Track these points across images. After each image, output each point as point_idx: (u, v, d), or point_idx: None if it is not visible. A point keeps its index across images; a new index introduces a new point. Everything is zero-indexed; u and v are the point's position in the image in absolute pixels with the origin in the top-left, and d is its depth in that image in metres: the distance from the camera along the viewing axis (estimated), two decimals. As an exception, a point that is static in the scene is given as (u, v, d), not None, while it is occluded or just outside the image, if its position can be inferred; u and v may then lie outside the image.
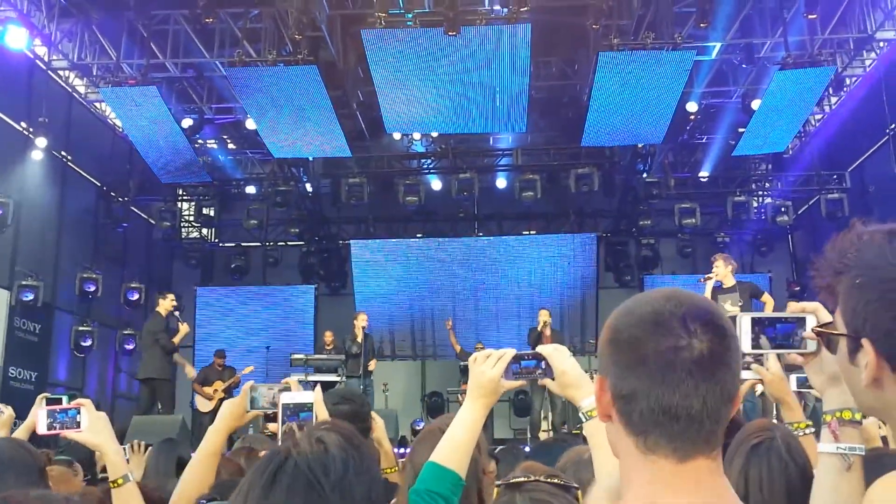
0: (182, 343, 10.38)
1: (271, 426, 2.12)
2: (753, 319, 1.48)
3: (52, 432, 2.35)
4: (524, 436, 10.78)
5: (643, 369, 1.09)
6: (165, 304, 10.06)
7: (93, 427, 2.34)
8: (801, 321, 1.46)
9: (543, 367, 1.95)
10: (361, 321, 11.02)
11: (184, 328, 10.03)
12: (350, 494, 1.24)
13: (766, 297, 8.56)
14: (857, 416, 1.43)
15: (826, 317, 1.43)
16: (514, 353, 1.95)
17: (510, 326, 15.47)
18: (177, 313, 10.19)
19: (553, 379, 1.95)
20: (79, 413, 2.33)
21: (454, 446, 1.86)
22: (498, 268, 15.81)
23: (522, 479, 1.63)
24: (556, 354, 1.97)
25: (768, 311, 1.53)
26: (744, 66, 11.76)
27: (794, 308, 1.48)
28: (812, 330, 1.44)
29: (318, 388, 1.74)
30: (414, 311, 15.85)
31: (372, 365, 10.96)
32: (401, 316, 15.83)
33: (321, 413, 1.58)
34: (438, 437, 2.02)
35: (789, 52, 10.33)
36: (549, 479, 1.70)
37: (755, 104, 11.56)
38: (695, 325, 1.08)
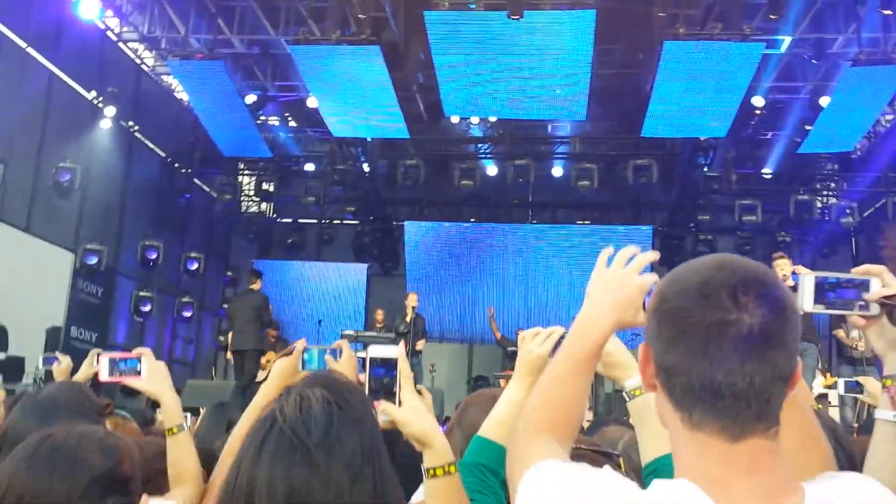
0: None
1: (360, 377, 2.15)
2: (817, 279, 1.46)
3: (114, 379, 2.43)
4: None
5: (686, 343, 1.04)
6: (260, 284, 10.84)
7: (152, 376, 2.42)
8: (864, 284, 1.44)
9: None
10: (412, 301, 11.20)
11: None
12: (337, 450, 1.23)
13: None
14: None
15: (891, 280, 1.41)
16: (562, 331, 1.92)
17: (559, 316, 15.40)
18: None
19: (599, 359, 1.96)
20: (139, 362, 2.42)
21: (500, 422, 1.86)
22: (549, 256, 15.72)
23: None
24: (597, 278, 1.97)
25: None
26: (814, 61, 11.41)
27: (858, 271, 1.45)
28: (877, 300, 1.42)
29: (402, 343, 1.77)
30: (463, 294, 15.89)
31: (420, 345, 11.09)
32: (450, 299, 15.89)
33: (405, 367, 1.60)
34: (486, 400, 2.06)
35: (862, 48, 9.97)
36: (590, 448, 1.70)
37: (824, 101, 11.24)
38: (746, 299, 1.02)
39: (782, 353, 1.03)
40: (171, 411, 2.38)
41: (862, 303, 1.44)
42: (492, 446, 1.80)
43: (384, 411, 1.57)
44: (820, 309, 1.46)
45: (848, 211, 13.16)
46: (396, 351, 1.63)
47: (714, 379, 1.01)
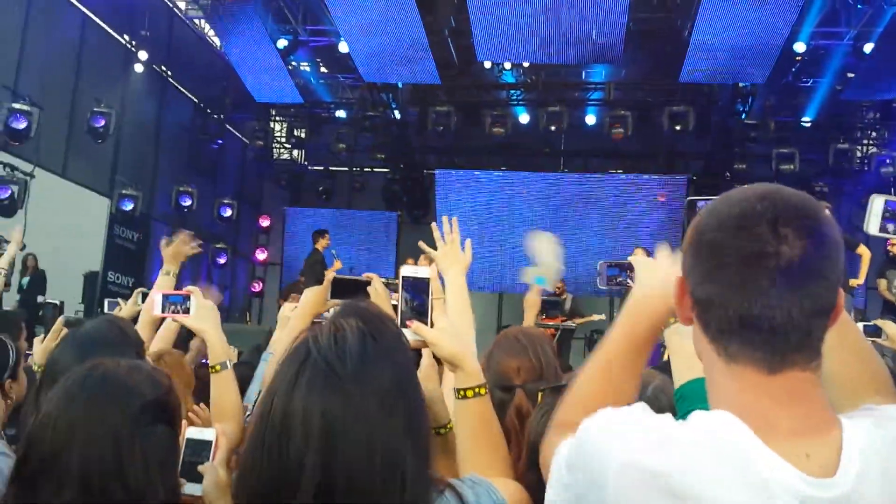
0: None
1: (394, 295, 2.19)
2: (888, 202, 1.41)
3: (165, 315, 2.59)
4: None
5: (722, 276, 1.02)
6: (323, 242, 11.19)
7: (199, 314, 2.51)
8: None
9: (631, 276, 1.95)
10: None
11: (337, 263, 10.66)
12: (371, 383, 1.22)
13: (862, 249, 8.23)
14: None
15: None
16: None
17: (589, 267, 15.33)
18: (334, 251, 11.06)
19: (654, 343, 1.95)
20: (188, 300, 2.51)
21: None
22: (582, 206, 15.60)
23: (566, 382, 1.64)
24: (647, 266, 1.97)
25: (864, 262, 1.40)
26: (859, 6, 11.02)
27: None
28: None
29: (434, 264, 1.76)
30: (494, 244, 15.88)
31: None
32: (480, 248, 15.88)
33: (437, 288, 1.60)
34: (512, 342, 2.06)
35: (911, -9, 9.63)
36: None
37: (867, 48, 10.90)
38: (786, 230, 0.99)
39: (823, 286, 1.01)
40: (216, 349, 2.45)
41: None
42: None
43: (416, 331, 1.57)
44: (885, 234, 1.41)
45: (888, 161, 12.82)
46: (429, 272, 1.63)
47: (751, 312, 1.00)
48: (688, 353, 1.76)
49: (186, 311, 2.51)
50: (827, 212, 1.06)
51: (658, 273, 1.40)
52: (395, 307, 1.67)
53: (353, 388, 1.21)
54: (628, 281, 1.96)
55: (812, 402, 1.03)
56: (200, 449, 1.91)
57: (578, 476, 1.10)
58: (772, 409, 1.01)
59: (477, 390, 1.56)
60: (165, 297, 2.54)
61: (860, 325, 3.97)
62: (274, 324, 11.65)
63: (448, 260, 2.30)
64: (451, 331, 1.60)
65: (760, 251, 0.99)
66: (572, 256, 15.48)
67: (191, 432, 1.94)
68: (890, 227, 1.40)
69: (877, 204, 1.41)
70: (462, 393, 1.56)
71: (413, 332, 1.57)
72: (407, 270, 1.63)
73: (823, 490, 0.97)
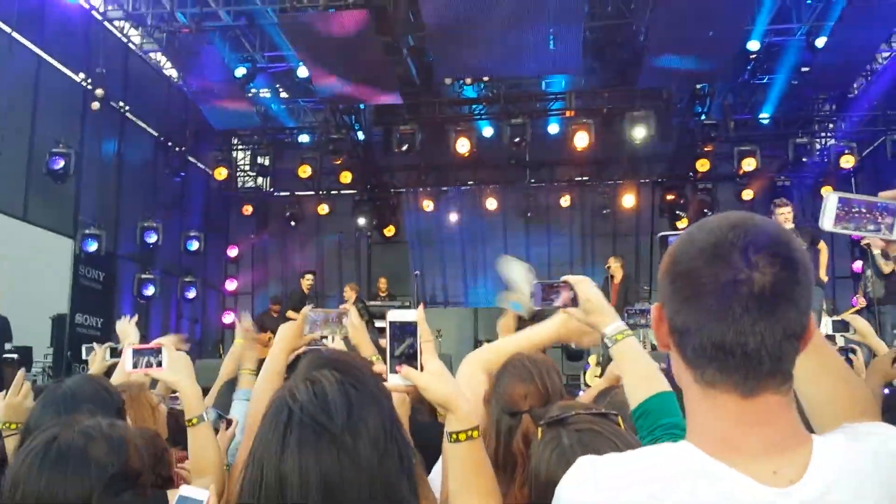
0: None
1: (381, 342, 2.18)
2: (840, 199, 1.43)
3: (138, 371, 2.56)
4: (577, 381, 10.82)
5: (698, 303, 1.05)
6: (305, 283, 11.94)
7: (172, 366, 2.49)
8: (890, 208, 1.41)
9: (572, 296, 1.98)
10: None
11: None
12: (363, 430, 1.21)
13: (822, 245, 8.37)
14: None
15: None
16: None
17: (563, 274, 15.36)
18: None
19: (577, 306, 1.98)
20: (160, 353, 2.50)
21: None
22: (550, 215, 15.70)
23: (564, 414, 1.61)
24: (583, 283, 1.99)
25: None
26: (808, 1, 11.26)
27: (886, 195, 1.43)
28: None
29: (422, 306, 1.75)
30: (466, 259, 15.89)
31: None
32: (452, 264, 15.90)
33: (425, 331, 1.57)
34: (520, 368, 2.05)
35: (857, -15, 9.85)
36: (588, 412, 1.69)
37: (820, 42, 11.11)
38: (757, 257, 1.03)
39: (794, 311, 1.04)
40: (190, 402, 2.41)
41: (885, 226, 1.41)
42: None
43: (406, 376, 1.54)
44: (840, 229, 1.43)
45: (847, 151, 13.07)
46: (416, 315, 1.59)
47: (725, 338, 1.03)
48: (641, 372, 1.81)
49: (159, 364, 2.50)
50: (796, 238, 1.09)
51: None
52: (382, 352, 1.64)
53: (346, 439, 1.20)
54: (558, 298, 2.00)
55: (784, 423, 1.06)
56: None
57: None
58: (742, 434, 1.05)
59: (469, 433, 1.54)
60: (137, 351, 2.53)
61: (829, 320, 4.02)
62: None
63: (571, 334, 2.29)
64: (443, 373, 1.57)
65: (734, 279, 1.03)
66: (543, 266, 15.54)
67: (184, 490, 1.88)
68: (845, 219, 1.42)
69: (831, 201, 1.43)
70: (454, 436, 1.54)
71: (403, 376, 1.55)
72: (394, 315, 1.60)
73: (785, 498, 1.00)
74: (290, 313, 10.57)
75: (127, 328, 3.71)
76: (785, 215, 8.03)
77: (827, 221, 1.43)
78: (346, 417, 1.21)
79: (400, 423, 1.33)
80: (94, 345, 4.23)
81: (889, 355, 3.32)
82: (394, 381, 1.56)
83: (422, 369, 1.56)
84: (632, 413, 1.77)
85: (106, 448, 1.50)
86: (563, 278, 2.03)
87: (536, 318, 2.28)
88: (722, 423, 1.06)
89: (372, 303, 12.20)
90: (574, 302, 1.99)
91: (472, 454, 1.55)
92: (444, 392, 1.55)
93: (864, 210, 1.42)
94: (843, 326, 3.82)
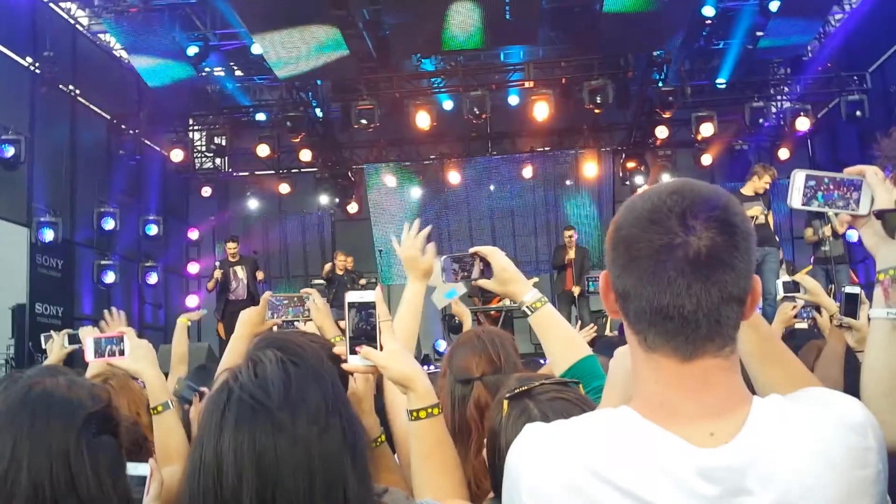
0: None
1: (341, 323, 2.20)
2: (807, 176, 1.45)
3: (99, 359, 2.51)
4: (542, 350, 10.92)
5: (636, 268, 1.07)
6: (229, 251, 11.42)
7: (134, 354, 2.45)
8: (856, 184, 1.43)
9: (482, 267, 1.99)
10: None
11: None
12: (302, 408, 1.21)
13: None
14: None
15: (881, 186, 1.42)
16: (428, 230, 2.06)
17: (528, 244, 15.49)
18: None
19: (490, 279, 2.00)
20: (122, 341, 2.46)
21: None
22: (513, 186, 15.72)
23: (527, 386, 1.63)
24: (495, 254, 2.02)
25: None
26: (761, -36, 11.33)
27: (851, 171, 1.45)
28: (872, 214, 1.42)
29: (380, 286, 1.75)
30: (430, 232, 15.86)
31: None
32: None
33: (383, 311, 1.58)
34: (475, 342, 2.07)
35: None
36: (550, 381, 1.71)
37: (773, 6, 11.20)
38: (695, 222, 1.04)
39: (731, 275, 1.05)
40: (154, 390, 2.39)
41: (853, 201, 1.42)
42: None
43: (366, 356, 1.55)
44: (809, 207, 1.45)
45: (802, 113, 13.24)
46: (374, 295, 1.60)
47: (662, 302, 1.05)
48: (562, 338, 1.84)
49: (121, 352, 2.45)
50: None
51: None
52: (343, 332, 1.64)
53: (281, 414, 1.19)
54: (473, 271, 2.00)
55: (724, 386, 1.07)
56: (135, 484, 1.84)
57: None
58: (680, 397, 1.06)
59: (430, 411, 1.56)
60: (97, 340, 2.48)
61: (780, 282, 4.08)
62: (214, 339, 11.38)
63: (406, 265, 2.35)
64: (402, 353, 1.58)
65: (669, 243, 1.04)
66: (509, 236, 15.60)
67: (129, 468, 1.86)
68: (813, 198, 1.43)
69: (798, 178, 1.45)
70: (415, 414, 1.55)
71: (363, 356, 1.56)
72: (352, 296, 1.61)
73: (718, 459, 1.01)
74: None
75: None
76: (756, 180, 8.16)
77: (795, 200, 1.45)
78: (284, 394, 1.21)
79: (346, 399, 1.32)
80: (52, 333, 4.16)
81: (789, 307, 3.53)
82: (353, 362, 1.57)
83: (381, 349, 1.57)
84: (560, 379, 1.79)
85: (87, 394, 1.50)
86: (472, 250, 2.04)
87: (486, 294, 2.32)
88: (662, 386, 1.08)
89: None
90: (486, 273, 2.00)
91: (434, 431, 1.57)
92: (404, 370, 1.56)
93: (831, 187, 1.43)
94: (793, 287, 3.89)
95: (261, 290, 10.55)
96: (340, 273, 11.70)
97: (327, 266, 11.91)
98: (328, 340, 2.37)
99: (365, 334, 1.59)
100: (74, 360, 4.40)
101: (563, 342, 1.88)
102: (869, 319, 1.47)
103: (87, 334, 3.19)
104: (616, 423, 1.08)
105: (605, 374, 1.71)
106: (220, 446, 1.18)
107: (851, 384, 1.45)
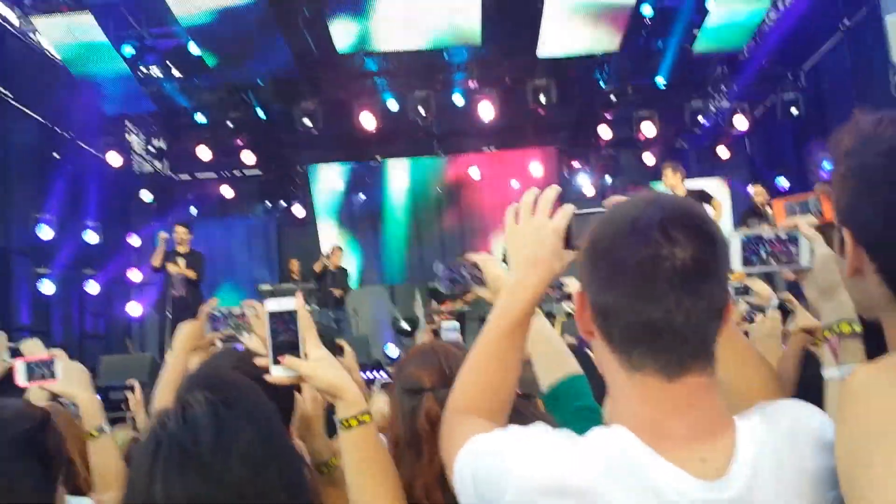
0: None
1: (259, 331, 2.12)
2: (743, 239, 1.45)
3: (31, 383, 2.42)
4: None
5: (621, 282, 1.03)
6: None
7: (67, 377, 2.37)
8: (793, 238, 1.42)
9: (478, 274, 1.97)
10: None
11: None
12: (234, 451, 1.18)
13: (715, 203, 8.69)
14: (857, 328, 1.37)
15: (817, 239, 1.41)
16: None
17: (476, 245, 15.52)
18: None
19: (485, 286, 1.97)
20: (53, 363, 2.37)
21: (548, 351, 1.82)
22: (460, 186, 15.75)
23: None
24: (487, 262, 1.97)
25: (763, 228, 1.46)
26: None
27: (785, 224, 1.44)
28: (811, 225, 1.41)
29: (300, 293, 1.69)
30: (377, 235, 15.79)
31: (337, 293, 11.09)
32: (364, 241, 15.78)
33: (305, 317, 1.53)
34: (424, 352, 2.03)
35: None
36: None
37: (710, 4, 11.42)
38: (676, 232, 1.02)
39: (717, 286, 1.05)
40: (88, 413, 2.31)
41: (794, 255, 1.43)
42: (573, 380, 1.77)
43: (290, 366, 1.51)
44: (749, 269, 1.46)
45: (739, 112, 13.53)
46: (295, 303, 1.55)
47: (654, 316, 1.02)
48: (551, 354, 1.80)
49: (52, 375, 2.37)
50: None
51: (525, 248, 1.37)
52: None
53: (211, 460, 1.16)
54: (469, 278, 1.97)
55: (707, 407, 1.06)
56: None
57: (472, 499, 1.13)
58: (669, 418, 1.05)
59: (361, 418, 1.51)
60: (29, 365, 2.39)
61: (729, 286, 4.09)
62: (157, 350, 11.09)
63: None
64: (328, 360, 1.54)
65: (655, 254, 1.01)
66: (458, 239, 15.62)
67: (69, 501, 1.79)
68: (753, 258, 1.44)
69: (734, 243, 1.45)
70: (346, 423, 1.51)
71: (286, 366, 1.51)
72: (271, 305, 1.56)
73: (717, 492, 1.00)
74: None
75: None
76: (668, 177, 8.32)
77: (735, 263, 1.43)
78: (214, 439, 1.18)
79: (283, 435, 1.30)
80: None
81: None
82: (277, 373, 1.53)
83: (305, 357, 1.53)
84: (543, 396, 1.76)
85: (14, 415, 1.43)
86: (468, 255, 2.01)
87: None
88: (650, 407, 1.05)
89: (285, 286, 11.99)
90: (481, 281, 1.97)
91: (366, 439, 1.52)
92: (330, 379, 1.51)
93: (768, 244, 1.43)
94: (744, 291, 3.90)
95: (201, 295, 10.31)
96: (334, 270, 11.43)
97: (322, 262, 11.54)
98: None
99: (288, 343, 1.53)
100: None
101: (548, 358, 1.80)
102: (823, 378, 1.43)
103: (30, 348, 3.06)
104: (613, 443, 1.05)
105: (591, 395, 1.68)
106: (153, 495, 1.15)
107: (804, 382, 1.44)
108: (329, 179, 15.68)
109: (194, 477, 1.14)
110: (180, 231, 10.53)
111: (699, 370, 1.05)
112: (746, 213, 10.26)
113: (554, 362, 1.80)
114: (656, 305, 1.01)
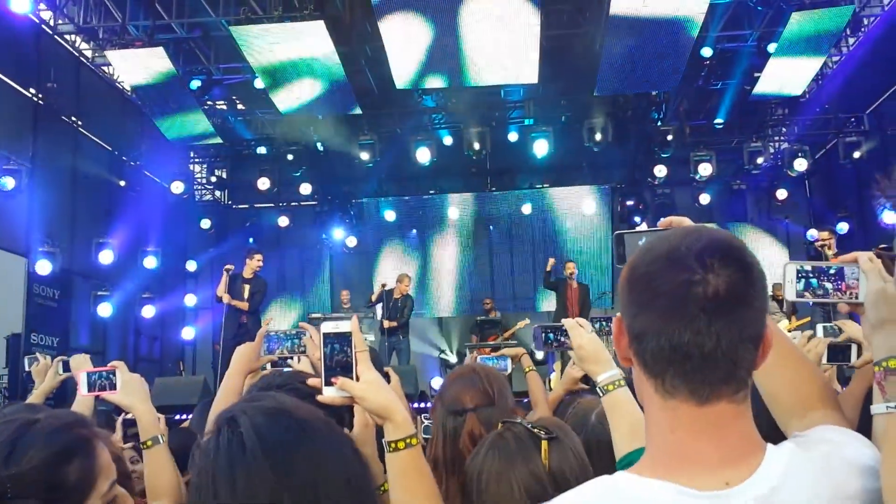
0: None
1: (314, 349, 2.16)
2: (798, 269, 1.45)
3: (92, 393, 2.50)
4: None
5: (655, 306, 1.06)
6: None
7: (126, 388, 2.43)
8: (851, 272, 1.42)
9: (567, 337, 2.01)
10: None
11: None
12: (309, 457, 1.23)
13: None
14: None
15: (872, 271, 1.39)
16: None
17: (526, 281, 15.48)
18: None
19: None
20: (114, 375, 2.44)
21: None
22: (512, 222, 15.77)
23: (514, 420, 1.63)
24: (576, 328, 2.02)
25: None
26: (759, 7, 11.46)
27: (845, 259, 1.43)
28: (874, 252, 1.40)
29: (355, 316, 1.72)
30: (428, 267, 15.86)
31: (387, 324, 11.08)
32: (416, 273, 15.85)
33: (359, 341, 1.56)
34: (470, 376, 2.04)
35: (806, -8, 10.07)
36: (525, 426, 1.69)
37: (771, 47, 11.33)
38: (712, 260, 1.03)
39: (750, 312, 1.05)
40: (145, 424, 2.36)
41: (852, 290, 1.42)
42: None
43: (342, 387, 1.54)
44: (804, 298, 1.45)
45: (800, 154, 13.32)
46: (350, 325, 1.58)
47: (683, 339, 1.03)
48: (629, 424, 1.80)
49: (113, 386, 2.44)
50: (747, 247, 1.11)
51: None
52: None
53: (289, 461, 1.20)
54: (565, 342, 2.04)
55: (738, 433, 1.07)
56: None
57: None
58: (698, 441, 1.05)
59: (408, 441, 1.53)
60: (91, 375, 2.48)
61: (819, 326, 3.98)
62: (210, 373, 11.25)
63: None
64: (379, 383, 1.56)
65: (689, 280, 1.03)
66: (506, 274, 15.61)
67: None
68: (806, 288, 1.45)
69: (789, 271, 1.45)
70: (394, 445, 1.53)
71: (339, 388, 1.54)
72: (327, 327, 1.59)
73: (730, 497, 1.01)
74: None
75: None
76: (824, 240, 8.22)
77: (789, 292, 1.45)
78: (294, 442, 1.23)
79: (351, 444, 1.33)
80: (38, 355, 3.97)
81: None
82: (329, 394, 1.55)
83: (357, 380, 1.55)
84: (618, 463, 1.76)
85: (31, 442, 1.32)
86: (562, 321, 2.07)
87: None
88: (679, 434, 1.06)
89: (336, 315, 12.08)
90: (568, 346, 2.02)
91: (413, 462, 1.54)
92: (381, 401, 1.54)
93: (823, 276, 1.44)
94: (835, 332, 3.77)
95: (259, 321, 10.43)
96: (397, 298, 11.37)
97: (382, 287, 11.44)
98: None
99: (341, 365, 1.57)
100: (69, 389, 4.32)
101: (629, 426, 1.82)
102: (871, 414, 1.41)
103: (79, 363, 3.14)
104: (604, 482, 1.09)
105: None
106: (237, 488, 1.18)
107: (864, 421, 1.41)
108: (382, 212, 15.85)
109: (271, 476, 1.17)
110: (257, 258, 10.56)
111: (730, 396, 1.06)
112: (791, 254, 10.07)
113: (631, 434, 1.80)
114: (686, 328, 1.03)
